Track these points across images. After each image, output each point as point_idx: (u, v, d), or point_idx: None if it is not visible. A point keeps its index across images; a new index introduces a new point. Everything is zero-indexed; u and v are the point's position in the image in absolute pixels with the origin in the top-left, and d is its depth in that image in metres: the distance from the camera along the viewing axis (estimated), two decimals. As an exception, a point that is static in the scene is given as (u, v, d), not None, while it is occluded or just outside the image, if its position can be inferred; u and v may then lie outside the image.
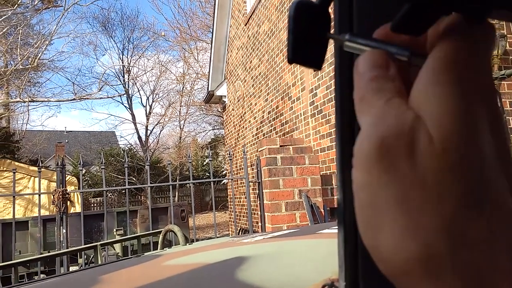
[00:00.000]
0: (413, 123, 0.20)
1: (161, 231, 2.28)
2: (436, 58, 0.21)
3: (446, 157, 0.19)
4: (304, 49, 0.29)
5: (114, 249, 5.23)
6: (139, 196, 19.13)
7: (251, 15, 8.04)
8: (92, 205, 17.50)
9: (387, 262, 0.20)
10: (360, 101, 0.22)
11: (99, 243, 2.38)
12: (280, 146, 4.26)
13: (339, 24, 0.30)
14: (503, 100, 4.08)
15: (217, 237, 5.53)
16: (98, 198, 17.48)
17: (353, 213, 0.35)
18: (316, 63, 0.29)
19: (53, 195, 4.39)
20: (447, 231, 0.18)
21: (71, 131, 30.69)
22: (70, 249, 3.72)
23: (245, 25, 8.48)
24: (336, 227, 0.37)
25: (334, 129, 0.37)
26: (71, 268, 4.63)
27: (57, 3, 14.39)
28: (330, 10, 0.29)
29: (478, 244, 0.18)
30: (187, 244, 1.62)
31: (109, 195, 17.53)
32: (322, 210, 4.16)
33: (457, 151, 0.19)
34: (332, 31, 0.30)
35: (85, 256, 4.95)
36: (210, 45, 11.00)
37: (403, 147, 0.19)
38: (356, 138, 0.24)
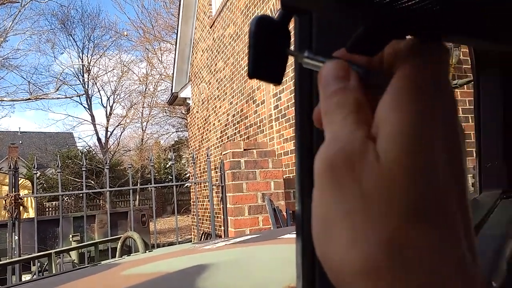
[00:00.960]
0: (361, 144, 0.21)
1: (120, 237, 2.21)
2: (395, 79, 0.22)
3: (390, 176, 0.20)
4: (264, 64, 0.29)
5: (70, 256, 5.02)
6: (98, 200, 18.49)
7: (217, 17, 8.01)
8: (47, 209, 16.71)
9: (334, 274, 0.20)
10: (324, 115, 0.23)
11: (53, 250, 2.28)
12: (244, 149, 4.26)
13: (299, 41, 0.31)
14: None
15: (179, 242, 5.43)
16: (54, 202, 16.71)
17: (310, 224, 0.35)
18: (275, 78, 0.29)
19: (5, 200, 4.16)
20: (388, 245, 0.19)
21: (25, 132, 29.20)
22: (22, 257, 3.54)
23: (210, 28, 8.44)
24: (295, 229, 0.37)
25: (295, 139, 0.38)
26: (24, 277, 4.39)
27: (12, -3, 13.71)
28: (290, 27, 0.30)
29: (421, 258, 0.19)
30: (147, 251, 1.58)
31: (65, 199, 16.82)
32: (285, 214, 4.20)
33: (403, 171, 0.20)
34: (292, 47, 0.30)
35: (39, 264, 4.72)
36: (174, 46, 10.85)
37: (349, 167, 0.20)
38: (315, 151, 0.25)
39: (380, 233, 0.19)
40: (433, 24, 0.25)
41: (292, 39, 0.31)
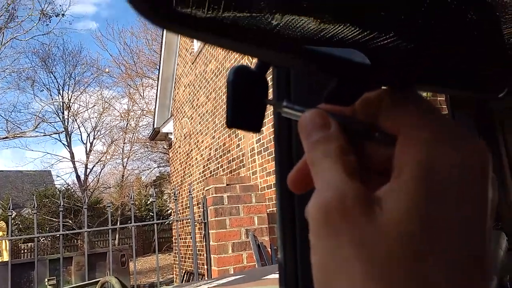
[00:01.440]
0: (355, 191, 0.21)
1: (98, 281, 2.11)
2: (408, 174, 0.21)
3: (390, 231, 0.20)
4: (242, 113, 0.29)
5: (45, 302, 4.76)
6: (76, 240, 17.84)
7: (198, 54, 8.16)
8: (23, 251, 15.99)
9: None
10: (311, 166, 0.23)
11: (26, 297, 2.16)
12: (227, 184, 4.23)
13: (277, 91, 0.31)
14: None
15: (160, 283, 5.24)
16: (29, 244, 16.01)
17: (293, 273, 0.34)
18: (254, 127, 0.29)
19: (-24, 244, 3.97)
20: None
21: (1, 171, 28.38)
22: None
23: (192, 64, 8.57)
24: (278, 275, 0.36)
25: (275, 185, 0.38)
26: (-7, 326, 4.13)
27: (-8, 36, 13.71)
28: (268, 76, 0.30)
29: None
30: (127, 295, 1.51)
31: (41, 240, 16.18)
32: (269, 250, 4.13)
33: (406, 233, 0.20)
34: (270, 97, 0.30)
35: (11, 311, 4.45)
36: (156, 82, 10.94)
37: (345, 214, 0.21)
38: (295, 201, 0.24)
39: (378, 285, 0.19)
40: (403, 75, 0.26)
41: (271, 88, 0.31)
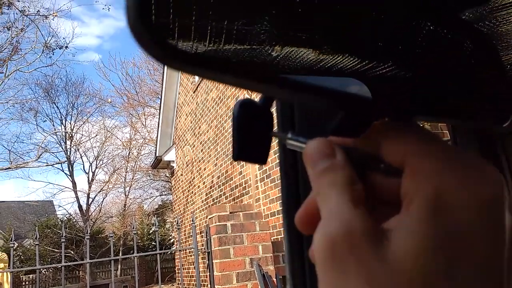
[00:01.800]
0: (362, 222, 0.20)
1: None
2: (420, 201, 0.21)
3: (400, 268, 0.19)
4: (248, 146, 0.29)
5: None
6: (77, 271, 17.54)
7: (200, 83, 8.27)
8: (24, 283, 15.72)
9: None
10: (317, 196, 0.23)
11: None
12: (230, 212, 4.19)
13: (281, 123, 0.32)
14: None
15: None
16: (31, 276, 15.76)
17: None
18: (260, 159, 0.30)
19: (-24, 277, 3.91)
20: None
21: (3, 202, 28.26)
22: None
23: (194, 92, 8.68)
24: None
25: (282, 215, 0.37)
26: None
27: (-3, 69, 13.98)
28: (273, 110, 0.31)
29: None
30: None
31: (43, 272, 15.92)
32: (275, 279, 4.05)
33: (416, 274, 0.19)
34: (275, 129, 0.31)
35: None
36: (158, 110, 11.05)
37: (352, 245, 0.20)
38: (303, 234, 0.24)
39: None
40: (404, 105, 0.26)
41: (275, 121, 0.32)
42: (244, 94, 5.14)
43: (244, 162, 0.30)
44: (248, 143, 0.29)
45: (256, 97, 0.31)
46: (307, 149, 0.25)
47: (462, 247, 0.19)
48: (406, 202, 0.21)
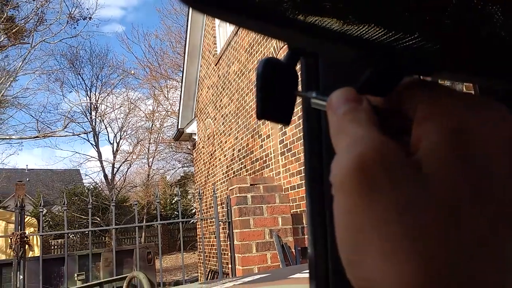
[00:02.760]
0: (392, 145, 0.19)
1: (125, 276, 2.16)
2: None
3: (432, 188, 0.18)
4: (272, 105, 0.29)
5: (75, 296, 4.91)
6: (103, 238, 18.30)
7: (221, 56, 8.22)
8: (53, 247, 16.53)
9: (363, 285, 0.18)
10: (335, 135, 0.22)
11: (57, 291, 2.22)
12: (251, 185, 4.24)
13: (306, 82, 0.31)
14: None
15: (185, 280, 5.30)
16: (59, 240, 16.56)
17: (324, 268, 0.34)
18: (284, 119, 0.30)
19: (11, 239, 4.13)
20: (425, 262, 0.17)
21: (32, 170, 29.42)
22: (25, 298, 3.46)
23: (215, 65, 8.64)
24: (307, 270, 0.36)
25: (304, 179, 0.37)
26: (26, 319, 4.28)
27: (24, 40, 14.22)
28: (297, 67, 0.30)
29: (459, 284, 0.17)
30: (153, 291, 1.54)
31: (71, 236, 16.68)
32: (294, 250, 4.11)
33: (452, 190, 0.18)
34: (300, 88, 0.30)
35: (42, 304, 4.61)
36: (180, 83, 11.09)
37: (383, 168, 0.18)
38: (325, 196, 0.24)
39: (416, 247, 0.17)
40: (442, 63, 0.25)
41: (300, 79, 0.31)
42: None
43: (268, 121, 0.30)
44: (272, 102, 0.29)
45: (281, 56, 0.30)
46: (331, 97, 0.24)
47: (486, 183, 0.18)
48: (426, 137, 0.20)
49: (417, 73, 0.24)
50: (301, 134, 5.50)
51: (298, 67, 0.31)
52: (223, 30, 8.54)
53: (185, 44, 10.09)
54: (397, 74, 0.24)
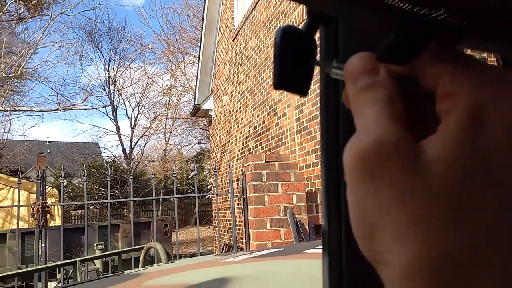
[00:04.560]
0: (398, 136, 0.20)
1: (143, 247, 2.22)
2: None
3: (435, 178, 0.19)
4: (290, 75, 0.28)
5: (94, 265, 5.10)
6: (122, 210, 18.81)
7: (239, 31, 8.11)
8: (73, 218, 17.10)
9: (387, 266, 0.19)
10: (355, 112, 0.23)
11: (78, 259, 2.31)
12: (266, 162, 4.25)
13: (325, 51, 0.30)
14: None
15: (201, 253, 5.44)
16: (79, 211, 17.11)
17: (338, 240, 0.34)
18: (302, 90, 0.29)
19: (33, 208, 4.28)
20: (429, 247, 0.18)
21: (53, 142, 30.16)
22: (48, 265, 3.61)
23: (233, 41, 8.55)
24: (321, 246, 0.36)
25: (320, 154, 0.37)
26: (50, 284, 4.48)
27: (43, 12, 14.30)
28: (316, 37, 0.29)
29: (462, 271, 0.18)
30: (169, 262, 1.59)
31: (90, 208, 17.18)
32: (307, 228, 4.15)
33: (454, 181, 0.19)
34: (318, 57, 0.30)
35: (64, 271, 4.81)
36: (197, 59, 11.04)
37: (385, 158, 0.20)
38: (340, 168, 0.24)
39: (420, 232, 0.18)
40: (467, 30, 0.24)
41: (319, 49, 0.30)
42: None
43: (283, 92, 0.30)
44: (290, 71, 0.28)
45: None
46: (348, 64, 0.24)
47: (498, 155, 0.19)
48: (444, 117, 0.20)
49: (441, 40, 0.23)
50: (318, 112, 5.44)
51: (317, 36, 0.30)
52: (242, 3, 8.40)
53: (203, 18, 9.99)
54: (421, 42, 0.23)
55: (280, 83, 0.28)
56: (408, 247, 0.18)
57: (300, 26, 0.29)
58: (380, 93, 0.22)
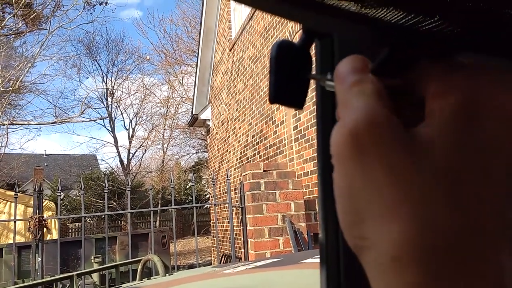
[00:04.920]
0: (386, 115, 0.20)
1: (140, 259, 2.21)
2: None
3: (427, 159, 0.19)
4: (286, 89, 0.29)
5: (92, 278, 5.04)
6: (119, 221, 18.68)
7: (236, 41, 8.17)
8: (70, 230, 16.97)
9: (374, 250, 0.19)
10: (341, 106, 0.22)
11: (75, 273, 2.29)
12: (264, 170, 4.25)
13: (320, 65, 0.30)
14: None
15: (199, 264, 5.40)
16: (77, 224, 16.98)
17: (335, 251, 0.34)
18: (297, 103, 0.29)
19: (29, 222, 4.25)
20: (418, 227, 0.18)
21: (50, 155, 30.05)
22: (45, 279, 3.57)
23: (230, 51, 8.60)
24: (319, 256, 0.36)
25: (317, 165, 0.37)
26: (46, 298, 4.43)
27: (41, 26, 14.36)
28: (312, 51, 0.29)
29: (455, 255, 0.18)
30: (167, 274, 1.57)
31: (88, 220, 17.07)
32: (306, 236, 4.13)
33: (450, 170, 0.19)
34: (314, 71, 0.30)
35: (61, 285, 4.76)
36: (195, 69, 11.09)
37: (373, 137, 0.19)
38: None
39: (409, 213, 0.18)
40: (462, 43, 0.25)
41: (314, 63, 0.30)
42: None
43: (281, 105, 0.30)
44: (286, 85, 0.28)
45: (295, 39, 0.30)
46: (339, 65, 0.23)
47: (492, 157, 0.19)
48: (437, 112, 0.20)
49: (434, 53, 0.24)
50: (315, 120, 5.47)
51: (312, 50, 0.30)
52: (238, 14, 8.47)
53: (200, 29, 10.06)
54: (414, 55, 0.23)
55: (276, 97, 0.28)
56: (396, 228, 0.18)
57: (296, 41, 0.29)
58: (368, 87, 0.21)
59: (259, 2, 0.21)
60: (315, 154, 5.17)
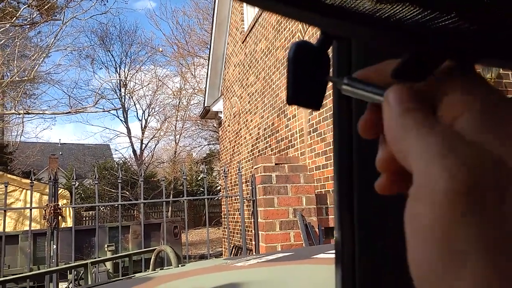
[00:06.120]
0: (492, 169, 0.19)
1: (153, 249, 2.24)
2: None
3: None
4: (303, 90, 0.29)
5: (105, 266, 5.14)
6: (132, 211, 18.93)
7: (249, 33, 8.13)
8: (84, 219, 17.26)
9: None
10: (397, 130, 0.22)
11: (89, 261, 2.34)
12: (276, 164, 4.25)
13: (337, 67, 0.30)
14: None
15: (210, 255, 5.45)
16: (91, 212, 17.25)
17: (351, 253, 0.34)
18: (314, 104, 0.29)
19: (45, 210, 4.34)
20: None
21: (65, 144, 30.52)
22: (59, 267, 3.65)
23: (243, 43, 8.57)
24: (331, 250, 0.36)
25: (332, 168, 0.37)
26: (61, 285, 4.53)
27: (56, 17, 14.49)
28: (329, 53, 0.29)
29: None
30: (180, 265, 1.59)
31: (101, 209, 17.33)
32: (317, 230, 4.14)
33: None
34: (331, 73, 0.30)
35: (75, 272, 4.86)
36: (207, 61, 11.08)
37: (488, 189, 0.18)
38: (353, 181, 0.24)
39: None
40: (481, 48, 0.24)
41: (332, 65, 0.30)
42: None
43: (298, 107, 0.30)
44: (303, 87, 0.28)
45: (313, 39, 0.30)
46: (389, 92, 0.24)
47: None
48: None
49: (454, 58, 0.24)
50: (328, 114, 5.42)
51: (330, 51, 0.30)
52: (251, 6, 8.41)
53: (213, 21, 10.03)
54: (434, 60, 0.23)
55: (293, 98, 0.28)
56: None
57: (314, 42, 0.29)
58: (423, 116, 0.22)
59: (274, 6, 0.21)
60: (328, 148, 5.11)
